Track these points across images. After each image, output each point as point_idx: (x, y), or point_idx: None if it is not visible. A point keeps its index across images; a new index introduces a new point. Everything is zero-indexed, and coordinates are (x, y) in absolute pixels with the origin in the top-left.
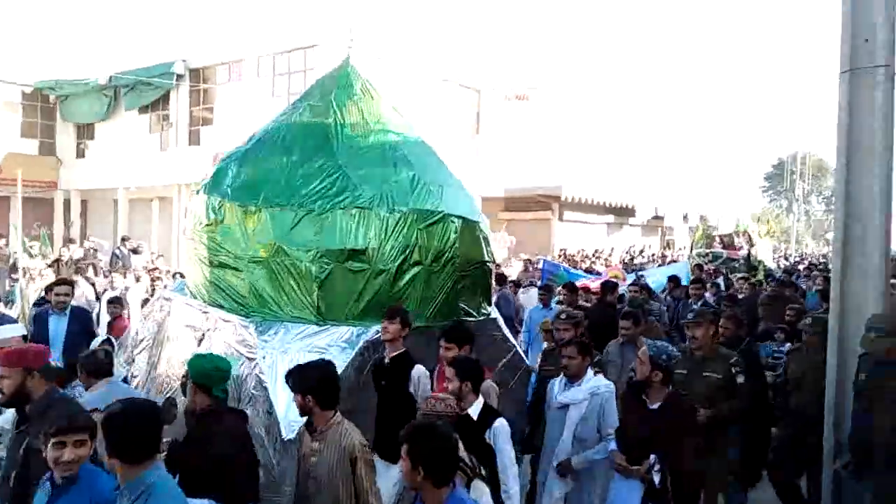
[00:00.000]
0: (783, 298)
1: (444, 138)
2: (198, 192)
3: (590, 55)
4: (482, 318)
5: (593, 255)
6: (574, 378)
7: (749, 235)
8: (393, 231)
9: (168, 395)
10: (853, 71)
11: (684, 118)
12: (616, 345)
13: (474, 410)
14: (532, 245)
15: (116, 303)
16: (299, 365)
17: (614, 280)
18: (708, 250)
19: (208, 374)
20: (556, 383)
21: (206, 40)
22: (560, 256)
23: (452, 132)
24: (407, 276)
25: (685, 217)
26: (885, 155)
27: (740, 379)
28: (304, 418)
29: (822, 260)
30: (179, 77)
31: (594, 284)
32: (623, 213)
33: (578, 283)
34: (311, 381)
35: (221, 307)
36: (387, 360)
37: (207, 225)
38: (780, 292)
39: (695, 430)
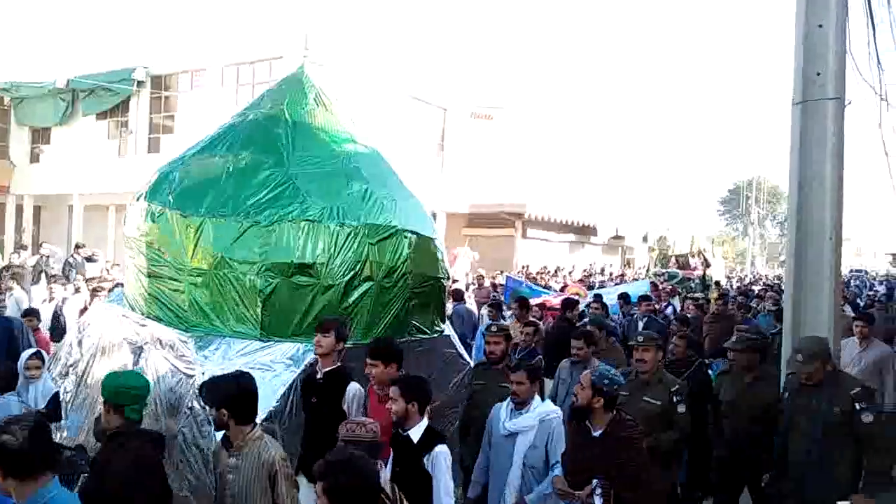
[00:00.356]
0: (727, 318)
1: (410, 154)
2: (137, 198)
3: (554, 76)
4: (435, 335)
5: (553, 273)
6: (522, 405)
7: (704, 256)
8: (343, 245)
9: (100, 413)
10: (805, 103)
11: (645, 142)
12: (568, 364)
13: (416, 433)
14: (495, 261)
15: (31, 315)
16: (213, 377)
17: (574, 297)
18: (664, 270)
19: (121, 392)
20: (503, 409)
21: (169, 48)
22: (521, 273)
23: (418, 148)
24: (357, 292)
25: (644, 237)
26: (835, 183)
27: (681, 409)
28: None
29: (776, 281)
30: (140, 83)
31: (555, 300)
32: (585, 231)
33: (539, 300)
34: (225, 394)
35: (160, 320)
36: (319, 376)
37: (146, 234)
38: (724, 311)
39: (639, 457)
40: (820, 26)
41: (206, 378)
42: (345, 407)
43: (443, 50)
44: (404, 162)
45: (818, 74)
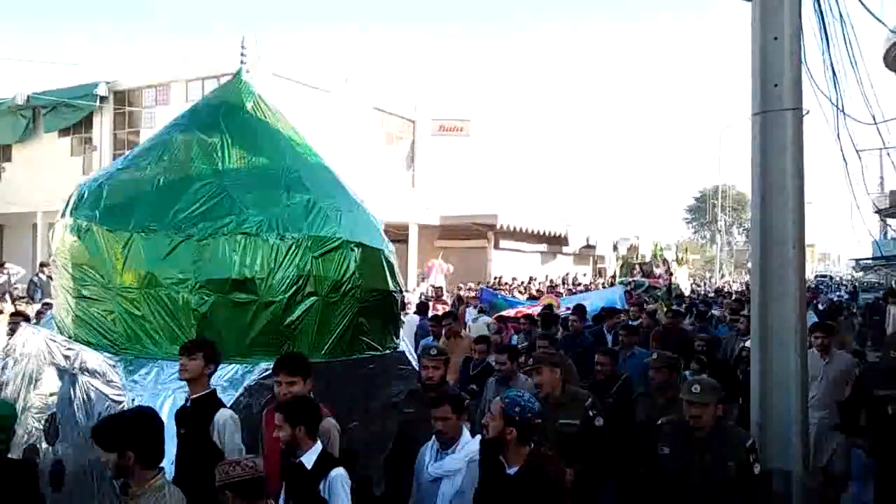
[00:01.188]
0: (677, 332)
1: (380, 167)
2: (62, 213)
3: (524, 88)
4: (388, 351)
5: (523, 284)
6: (448, 444)
7: (668, 264)
8: (284, 259)
9: (30, 443)
10: (764, 114)
11: (614, 152)
12: (493, 383)
13: (309, 458)
14: (468, 272)
15: None
16: (110, 416)
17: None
18: (631, 279)
19: None
20: (428, 450)
21: (133, 62)
22: (495, 285)
23: (388, 161)
24: (300, 309)
25: (615, 246)
26: (797, 191)
27: (598, 422)
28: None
29: (741, 287)
30: (103, 99)
31: (533, 311)
32: (556, 241)
33: (515, 311)
34: (129, 433)
35: (90, 344)
36: (187, 403)
37: (71, 251)
38: (675, 325)
39: (561, 499)
40: (775, 39)
41: (102, 418)
42: (215, 437)
43: (411, 63)
44: (374, 174)
45: (775, 86)
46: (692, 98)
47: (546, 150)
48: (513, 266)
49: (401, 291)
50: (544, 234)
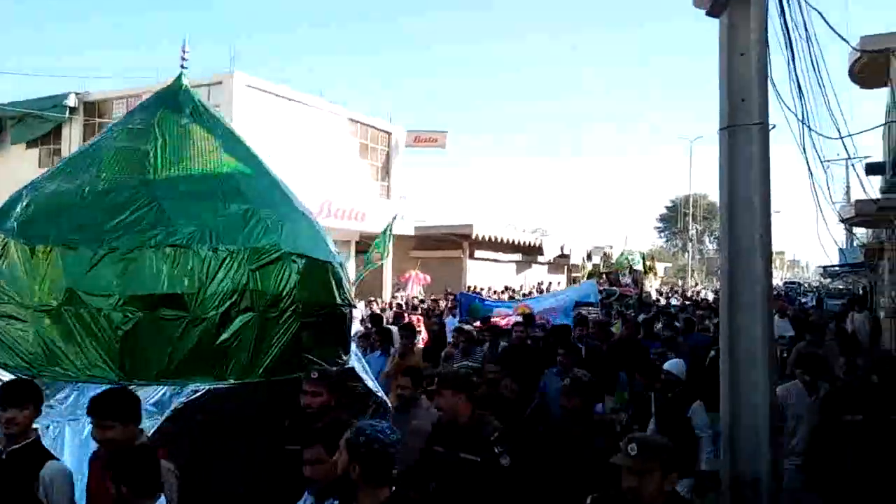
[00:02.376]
0: (632, 344)
1: (355, 177)
2: None
3: (499, 101)
4: (335, 369)
5: (497, 294)
6: (324, 494)
7: (636, 273)
8: (217, 273)
9: None
10: (731, 128)
11: (588, 164)
12: (392, 409)
13: None
14: (444, 282)
15: None
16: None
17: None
18: (601, 288)
19: None
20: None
21: (103, 73)
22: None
23: (363, 172)
24: (234, 325)
25: (589, 255)
26: (763, 203)
27: (504, 460)
28: None
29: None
30: (73, 110)
31: (503, 321)
32: (531, 251)
33: (491, 319)
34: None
35: (6, 366)
36: (3, 455)
37: None
38: (630, 336)
39: None
40: (742, 55)
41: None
42: (41, 495)
43: (385, 75)
44: (349, 185)
45: (742, 100)
46: (664, 109)
47: (520, 162)
48: (488, 276)
49: (350, 305)
50: (519, 244)
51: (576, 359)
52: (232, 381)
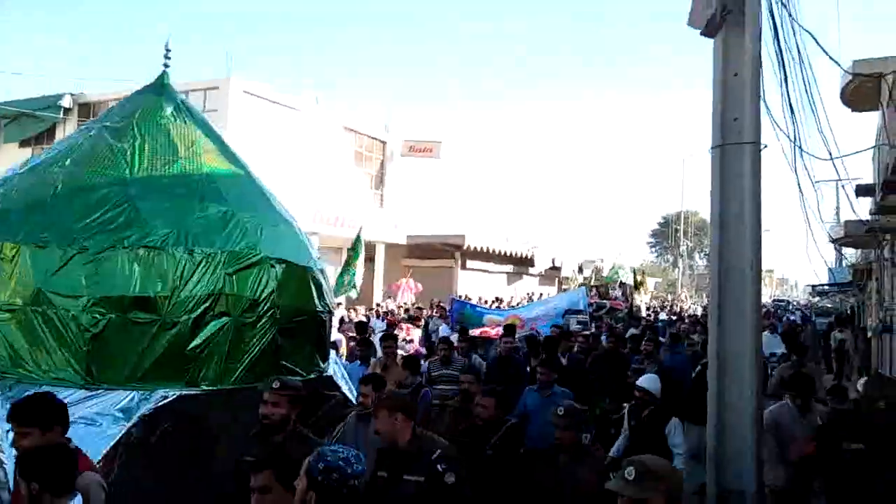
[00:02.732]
0: (617, 357)
1: (349, 186)
2: None
3: (493, 111)
4: (313, 376)
5: (493, 303)
6: None
7: (626, 287)
8: (192, 276)
9: None
10: (723, 147)
11: (581, 176)
12: (352, 421)
13: None
14: (435, 292)
15: None
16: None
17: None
18: (592, 301)
19: None
20: None
21: (99, 75)
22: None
23: (357, 180)
24: (209, 330)
25: (580, 268)
26: (754, 222)
27: (449, 478)
28: None
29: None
30: (67, 111)
31: (493, 331)
32: (522, 263)
33: (479, 331)
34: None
35: None
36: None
37: None
38: (615, 349)
39: None
40: (735, 75)
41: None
42: None
43: (381, 85)
44: (343, 193)
45: (735, 120)
46: (657, 126)
47: (514, 173)
48: (479, 286)
49: (329, 312)
50: (511, 255)
51: (555, 374)
52: (204, 388)
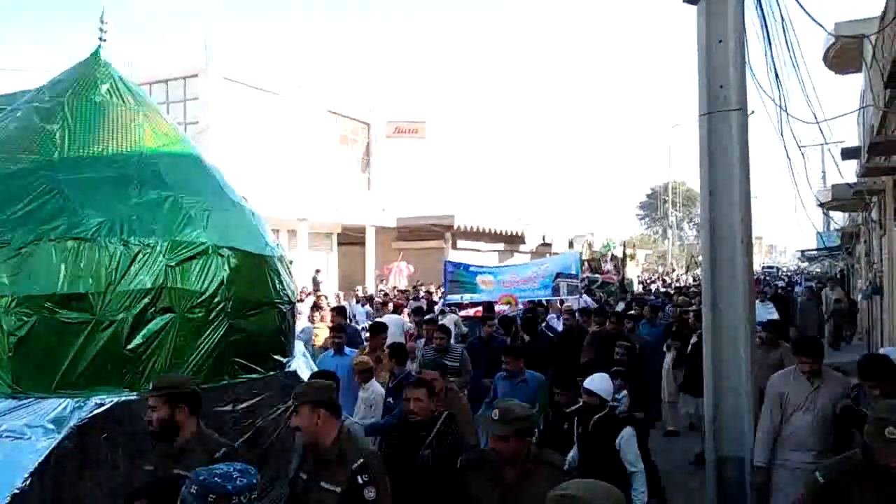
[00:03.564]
0: (610, 338)
1: (335, 170)
2: None
3: (477, 89)
4: (272, 373)
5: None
6: None
7: (616, 260)
8: (128, 269)
9: None
10: (711, 114)
11: (568, 151)
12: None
13: None
14: (426, 272)
15: None
16: None
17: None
18: (585, 274)
19: None
20: None
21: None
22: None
23: (343, 163)
24: (150, 329)
25: (571, 243)
26: (743, 187)
27: (369, 493)
28: None
29: (691, 282)
30: None
31: (472, 312)
32: (513, 240)
33: (473, 312)
34: None
35: None
36: None
37: None
38: (607, 330)
39: None
40: (720, 41)
41: None
42: None
43: (363, 67)
44: (329, 178)
45: (721, 87)
46: (643, 97)
47: (501, 151)
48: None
49: (291, 302)
50: (501, 233)
51: (522, 362)
52: (146, 393)
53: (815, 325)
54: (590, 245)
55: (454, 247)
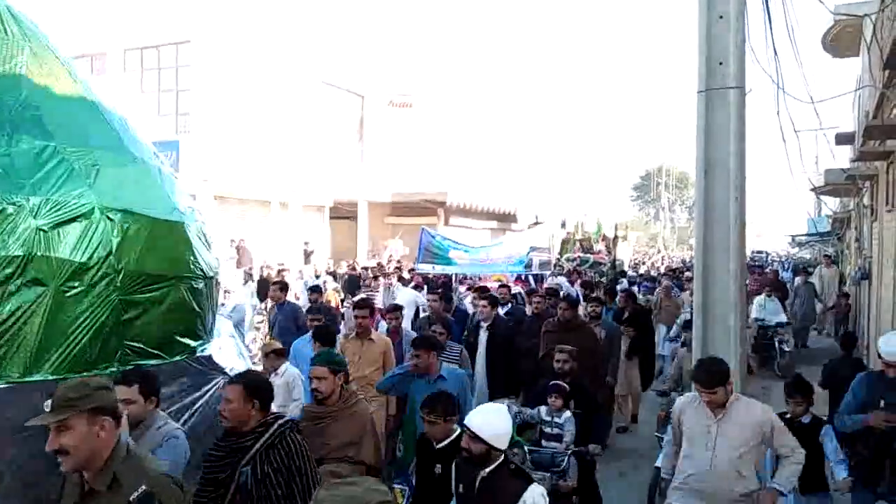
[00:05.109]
0: (575, 328)
1: (328, 142)
2: None
3: (471, 63)
4: (182, 357)
5: None
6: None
7: (609, 241)
8: None
9: None
10: (709, 91)
11: (562, 129)
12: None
13: None
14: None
15: None
16: None
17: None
18: (576, 255)
19: None
20: None
21: (66, 30)
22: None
23: (336, 136)
24: (13, 304)
25: (563, 223)
26: (738, 167)
27: None
28: None
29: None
30: None
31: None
32: (506, 218)
33: (465, 288)
34: None
35: None
36: None
37: None
38: (572, 320)
39: None
40: (721, 18)
41: None
42: None
43: (357, 37)
44: (322, 151)
45: (720, 64)
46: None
47: (496, 129)
48: (473, 239)
49: (207, 276)
50: (494, 211)
51: (432, 356)
52: (9, 382)
53: (813, 314)
54: (581, 225)
55: (447, 223)
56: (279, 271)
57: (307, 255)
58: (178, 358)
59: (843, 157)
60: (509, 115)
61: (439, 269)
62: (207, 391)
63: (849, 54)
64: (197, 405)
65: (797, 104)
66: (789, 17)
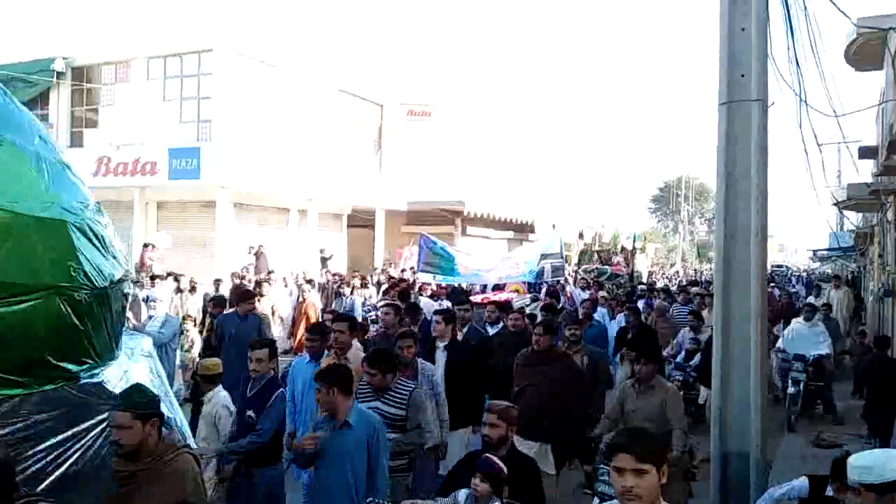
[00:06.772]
0: (546, 353)
1: (347, 151)
2: None
3: (490, 74)
4: (50, 387)
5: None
6: None
7: (627, 253)
8: None
9: None
10: (730, 103)
11: (581, 141)
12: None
13: None
14: None
15: None
16: None
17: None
18: (594, 266)
19: None
20: None
21: (92, 38)
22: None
23: (355, 145)
24: None
25: (581, 234)
26: (760, 180)
27: None
28: None
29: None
30: (60, 75)
31: (501, 297)
32: (523, 228)
33: (481, 299)
34: None
35: None
36: None
37: None
38: (544, 345)
39: None
40: (743, 30)
41: None
42: None
43: (376, 47)
44: (340, 159)
45: (742, 76)
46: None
47: (514, 139)
48: (480, 253)
49: (95, 287)
50: (511, 221)
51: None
52: None
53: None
54: (600, 237)
55: (464, 233)
56: (258, 282)
57: (324, 262)
58: (49, 387)
59: (866, 172)
60: (528, 124)
61: (441, 279)
62: (93, 426)
63: (871, 67)
64: (78, 443)
65: (819, 117)
66: (812, 30)
